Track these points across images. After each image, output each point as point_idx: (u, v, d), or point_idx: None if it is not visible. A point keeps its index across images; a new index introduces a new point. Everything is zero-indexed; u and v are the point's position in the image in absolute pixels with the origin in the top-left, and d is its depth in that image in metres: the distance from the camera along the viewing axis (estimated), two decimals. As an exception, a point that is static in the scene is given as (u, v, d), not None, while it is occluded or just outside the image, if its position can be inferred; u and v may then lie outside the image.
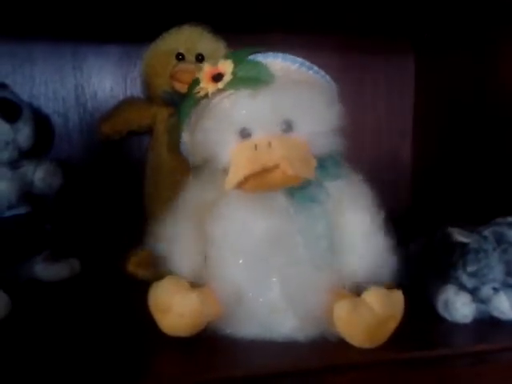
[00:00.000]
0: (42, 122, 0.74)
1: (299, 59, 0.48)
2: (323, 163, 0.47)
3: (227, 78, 0.46)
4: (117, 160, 0.79)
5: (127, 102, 0.74)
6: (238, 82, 0.46)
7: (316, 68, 0.49)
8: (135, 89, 0.78)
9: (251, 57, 0.47)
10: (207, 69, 0.47)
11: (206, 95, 0.47)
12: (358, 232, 0.48)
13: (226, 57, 0.47)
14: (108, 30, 0.75)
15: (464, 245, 0.52)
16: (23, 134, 0.62)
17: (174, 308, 0.45)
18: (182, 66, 0.65)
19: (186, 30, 0.66)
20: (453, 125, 0.81)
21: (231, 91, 0.46)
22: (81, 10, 0.68)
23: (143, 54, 0.68)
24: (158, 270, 0.50)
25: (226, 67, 0.46)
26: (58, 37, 0.76)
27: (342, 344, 0.45)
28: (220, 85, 0.46)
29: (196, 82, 0.48)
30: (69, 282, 0.65)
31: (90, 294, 0.61)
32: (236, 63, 0.46)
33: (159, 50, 0.67)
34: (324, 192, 0.47)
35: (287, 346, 0.46)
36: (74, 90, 0.78)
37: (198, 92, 0.47)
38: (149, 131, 0.70)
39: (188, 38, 0.66)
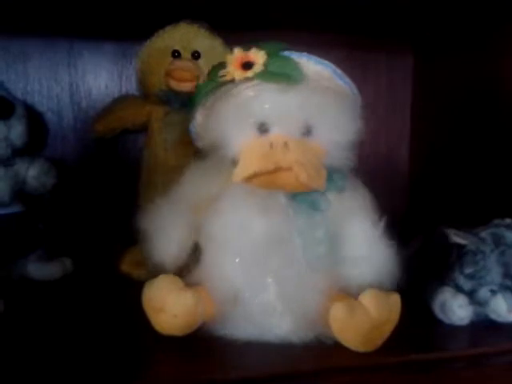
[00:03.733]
0: (35, 119, 0.73)
1: (332, 66, 0.47)
2: (331, 175, 0.46)
3: (258, 68, 0.45)
4: (111, 158, 0.79)
5: (122, 100, 0.73)
6: (268, 74, 0.45)
7: (347, 79, 0.48)
8: (130, 86, 0.78)
9: (285, 52, 0.46)
10: (238, 54, 0.46)
11: (231, 81, 0.46)
12: (362, 242, 0.47)
13: (259, 47, 0.46)
14: (103, 27, 0.74)
15: (461, 246, 0.52)
16: (16, 131, 0.62)
17: (168, 307, 0.44)
18: (178, 63, 0.65)
19: (181, 27, 0.65)
20: (451, 126, 0.81)
21: (259, 82, 0.45)
22: (76, 7, 0.68)
23: (139, 52, 0.67)
24: (152, 267, 0.49)
25: (259, 57, 0.45)
26: (52, 33, 0.75)
27: (337, 347, 0.45)
28: (249, 73, 0.45)
29: (221, 64, 0.47)
30: (62, 281, 0.64)
31: (83, 293, 0.60)
32: (269, 55, 0.45)
33: (155, 47, 0.66)
34: (325, 201, 0.47)
35: (282, 348, 0.45)
36: (68, 88, 0.77)
37: (223, 75, 0.46)
38: (144, 129, 0.70)
39: (184, 35, 0.65)
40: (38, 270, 0.64)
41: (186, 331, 0.45)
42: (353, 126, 0.46)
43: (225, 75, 0.46)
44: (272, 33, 0.67)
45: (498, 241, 0.51)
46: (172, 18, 0.65)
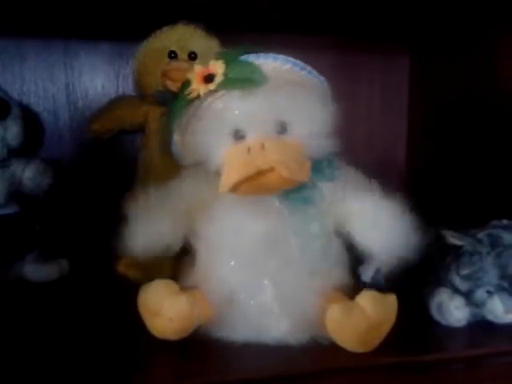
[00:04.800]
0: (31, 120, 0.73)
1: (291, 59, 0.47)
2: (318, 165, 0.46)
3: (219, 78, 0.45)
4: (108, 159, 0.79)
5: (119, 100, 0.73)
6: (229, 82, 0.45)
7: (309, 68, 0.48)
8: (127, 87, 0.78)
9: (243, 57, 0.46)
10: (198, 69, 0.47)
11: (198, 96, 0.46)
12: (365, 210, 0.47)
13: (217, 57, 0.46)
14: (100, 28, 0.74)
15: (458, 248, 0.52)
16: (12, 132, 0.62)
17: (164, 311, 0.44)
18: (175, 64, 0.65)
19: (178, 27, 0.65)
20: (448, 126, 0.81)
21: (223, 92, 0.45)
22: (72, 7, 0.67)
23: (135, 52, 0.67)
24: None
25: (218, 68, 0.45)
26: (48, 34, 0.75)
27: (334, 348, 0.45)
28: (211, 86, 0.45)
29: (187, 82, 0.47)
30: (58, 282, 0.64)
31: (79, 294, 0.60)
32: (227, 63, 0.45)
33: (151, 47, 0.66)
34: (318, 193, 0.47)
35: (279, 350, 0.45)
36: (64, 88, 0.77)
37: (190, 93, 0.47)
38: (140, 130, 0.70)
39: (180, 36, 0.65)
40: (35, 271, 0.64)
41: (181, 335, 0.45)
42: (326, 113, 0.46)
43: (190, 92, 0.46)
44: (267, 35, 0.68)
45: (494, 242, 0.51)
46: (169, 19, 0.65)
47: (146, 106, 0.68)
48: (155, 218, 0.48)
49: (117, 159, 0.78)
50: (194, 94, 0.46)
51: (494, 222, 0.54)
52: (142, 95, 0.68)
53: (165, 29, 0.66)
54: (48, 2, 0.65)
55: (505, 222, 0.54)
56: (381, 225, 0.47)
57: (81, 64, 0.77)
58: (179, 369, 0.44)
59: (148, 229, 0.48)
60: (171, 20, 0.65)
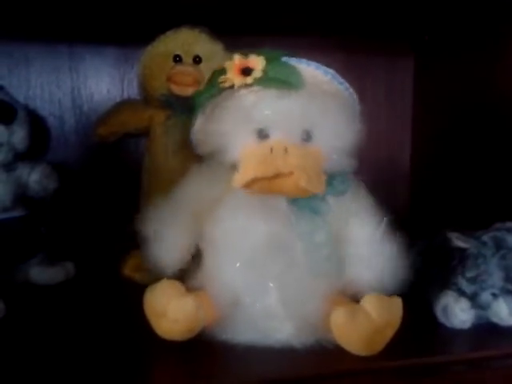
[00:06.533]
0: (37, 124, 0.73)
1: (331, 71, 0.47)
2: (331, 179, 0.46)
3: (257, 74, 0.45)
4: (113, 162, 0.79)
5: (124, 104, 0.73)
6: (268, 80, 0.45)
7: (346, 84, 0.48)
8: (132, 91, 0.78)
9: (284, 58, 0.46)
10: (237, 61, 0.46)
11: (231, 87, 0.46)
12: (364, 241, 0.48)
13: (259, 53, 0.46)
14: (105, 32, 0.74)
15: (463, 250, 0.52)
16: (18, 136, 0.62)
17: (169, 313, 0.44)
18: (179, 68, 0.65)
19: (183, 31, 0.66)
20: (452, 128, 0.81)
21: (258, 88, 0.45)
22: (78, 12, 0.68)
23: (140, 56, 0.67)
24: (152, 271, 0.49)
25: (258, 63, 0.45)
26: (54, 38, 0.75)
27: (339, 351, 0.45)
28: (249, 79, 0.45)
29: (221, 70, 0.47)
30: (64, 285, 0.64)
31: (85, 297, 0.60)
32: (268, 61, 0.45)
33: (156, 51, 0.66)
34: (326, 205, 0.47)
35: (284, 353, 0.45)
36: (70, 92, 0.77)
37: (223, 82, 0.46)
38: (146, 133, 0.70)
39: (185, 40, 0.65)
40: (40, 274, 0.64)
41: (187, 336, 0.45)
42: (352, 130, 0.46)
43: (224, 81, 0.46)
44: (272, 37, 0.68)
45: (499, 244, 0.51)
46: (173, 23, 0.65)
47: (150, 110, 0.68)
48: (173, 230, 0.49)
49: (122, 163, 0.79)
50: (227, 84, 0.46)
51: (499, 225, 0.54)
52: (147, 99, 0.69)
53: (169, 33, 0.66)
54: (53, 7, 0.65)
55: (509, 224, 0.54)
56: (373, 266, 0.47)
57: (86, 68, 0.77)
58: (184, 370, 0.44)
59: (168, 243, 0.48)
60: (176, 24, 0.66)
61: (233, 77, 0.46)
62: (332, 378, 0.44)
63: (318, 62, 0.48)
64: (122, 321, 0.53)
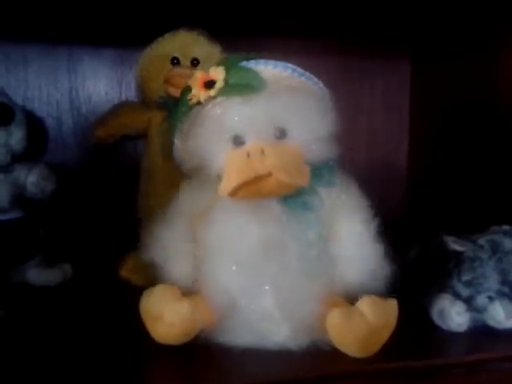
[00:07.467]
0: (35, 125, 0.73)
1: (291, 65, 0.47)
2: (318, 170, 0.47)
3: (219, 84, 0.45)
4: (111, 164, 0.79)
5: (122, 106, 0.74)
6: (229, 89, 0.45)
7: (308, 74, 0.48)
8: (130, 93, 0.78)
9: (243, 63, 0.47)
10: (199, 75, 0.47)
11: (199, 102, 0.47)
12: (351, 241, 0.48)
13: (218, 63, 0.47)
14: (103, 34, 0.74)
15: (459, 253, 0.52)
16: (16, 137, 0.62)
17: (165, 316, 0.44)
18: (177, 70, 0.65)
19: (181, 34, 0.66)
20: (449, 130, 0.81)
21: (223, 98, 0.45)
22: (76, 13, 0.68)
23: (138, 58, 0.68)
24: (150, 275, 0.49)
25: (218, 74, 0.46)
26: (52, 39, 0.75)
27: (335, 353, 0.45)
28: (212, 92, 0.46)
29: (188, 88, 0.48)
30: (61, 287, 0.64)
31: (82, 299, 0.60)
32: (227, 70, 0.46)
33: (154, 54, 0.66)
34: (318, 199, 0.47)
35: (280, 355, 0.45)
36: (68, 94, 0.77)
37: (191, 99, 0.47)
38: (144, 135, 0.70)
39: (183, 42, 0.65)
40: (38, 275, 0.64)
41: (183, 340, 0.45)
42: (325, 119, 0.47)
43: (191, 98, 0.47)
44: (269, 40, 0.68)
45: (495, 247, 0.51)
46: (171, 25, 0.65)
47: (148, 112, 0.68)
48: (178, 243, 0.50)
49: (120, 164, 0.79)
50: (194, 100, 0.47)
51: (495, 228, 0.54)
52: (145, 101, 0.69)
53: (167, 35, 0.66)
54: (52, 8, 0.65)
55: (505, 227, 0.54)
56: (358, 267, 0.47)
57: (84, 70, 0.77)
58: (181, 373, 0.44)
59: (181, 268, 0.49)
60: (174, 26, 0.66)
61: (198, 92, 0.47)
62: (328, 380, 0.44)
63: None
64: (118, 323, 0.53)
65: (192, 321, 0.45)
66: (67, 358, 0.46)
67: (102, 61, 0.78)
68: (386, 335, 0.45)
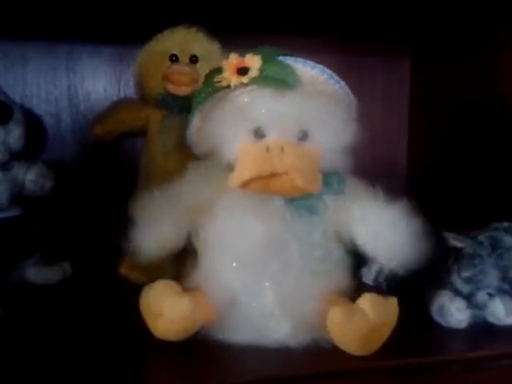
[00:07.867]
0: (33, 123, 0.73)
1: (328, 71, 0.47)
2: (327, 178, 0.46)
3: (253, 73, 0.45)
4: (110, 162, 0.79)
5: (121, 103, 0.73)
6: (264, 79, 0.45)
7: (342, 83, 0.48)
8: (129, 90, 0.78)
9: (281, 58, 0.46)
10: (233, 60, 0.46)
11: (227, 86, 0.46)
12: (373, 222, 0.47)
13: (255, 52, 0.46)
14: (102, 31, 0.74)
15: (459, 250, 0.52)
16: (14, 135, 0.62)
17: (165, 313, 0.44)
18: (176, 67, 0.65)
19: (179, 31, 0.65)
20: (449, 127, 0.81)
21: (254, 87, 0.45)
22: (75, 11, 0.68)
23: (137, 55, 0.67)
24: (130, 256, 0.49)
25: (254, 62, 0.45)
26: (51, 37, 0.75)
27: (335, 351, 0.45)
28: (245, 79, 0.45)
29: (217, 70, 0.47)
30: (60, 284, 0.64)
31: (81, 297, 0.60)
32: (265, 60, 0.45)
33: (153, 51, 0.66)
34: (323, 205, 0.47)
35: (280, 352, 0.45)
36: (66, 91, 0.77)
37: (219, 81, 0.46)
38: (142, 133, 0.70)
39: (182, 39, 0.65)
40: (37, 273, 0.64)
41: (183, 336, 0.45)
42: (348, 129, 0.46)
43: (221, 81, 0.46)
44: (270, 37, 0.67)
45: (495, 244, 0.51)
46: (170, 22, 0.65)
47: (147, 109, 0.68)
48: (157, 219, 0.48)
49: (118, 162, 0.78)
50: (223, 83, 0.46)
51: (495, 224, 0.54)
52: (144, 98, 0.68)
53: (166, 32, 0.66)
54: (51, 6, 0.65)
55: (505, 224, 0.54)
56: (385, 235, 0.47)
57: (83, 67, 0.77)
58: (180, 370, 0.44)
59: (150, 231, 0.48)
60: (172, 23, 0.65)
61: (229, 76, 0.46)
62: (328, 378, 0.44)
63: (315, 61, 0.48)
64: (118, 320, 0.53)
65: (192, 317, 0.44)
66: (67, 355, 0.46)
67: (100, 58, 0.78)
68: (386, 333, 0.45)
